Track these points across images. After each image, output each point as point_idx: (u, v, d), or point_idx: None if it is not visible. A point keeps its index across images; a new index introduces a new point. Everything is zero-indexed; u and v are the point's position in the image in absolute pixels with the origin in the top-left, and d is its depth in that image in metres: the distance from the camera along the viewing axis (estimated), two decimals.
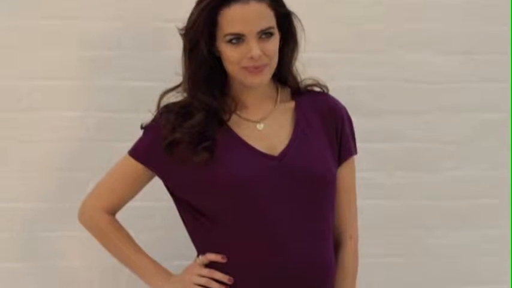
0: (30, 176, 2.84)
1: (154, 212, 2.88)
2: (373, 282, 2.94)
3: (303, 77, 2.32)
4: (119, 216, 2.40)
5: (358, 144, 2.37)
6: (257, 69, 2.11)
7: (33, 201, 2.85)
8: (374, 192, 2.98)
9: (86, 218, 2.35)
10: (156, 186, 2.33)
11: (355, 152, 2.34)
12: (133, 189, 2.32)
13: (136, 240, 2.39)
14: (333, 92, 2.36)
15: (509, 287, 3.07)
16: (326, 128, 2.25)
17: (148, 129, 2.25)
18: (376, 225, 2.96)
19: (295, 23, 2.22)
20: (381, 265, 3.00)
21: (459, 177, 3.05)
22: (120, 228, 2.34)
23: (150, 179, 2.30)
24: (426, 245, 3.04)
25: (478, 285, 3.07)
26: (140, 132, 2.30)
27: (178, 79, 2.26)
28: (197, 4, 2.15)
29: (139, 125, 2.30)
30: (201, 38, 2.13)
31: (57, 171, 2.86)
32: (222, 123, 2.18)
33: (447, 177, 3.04)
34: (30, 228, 2.86)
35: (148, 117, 2.28)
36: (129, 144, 2.33)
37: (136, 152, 2.26)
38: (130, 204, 2.41)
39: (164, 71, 2.53)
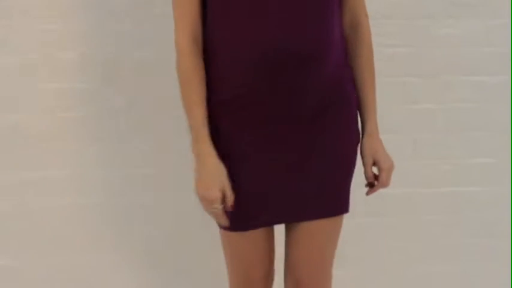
0: None
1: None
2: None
3: None
4: None
5: None
6: None
7: None
8: None
9: (182, 64, 2.26)
10: None
11: None
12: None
13: None
14: None
15: (509, 80, 3.12)
16: None
17: None
18: (382, 15, 2.98)
19: None
20: (385, 56, 3.02)
21: None
22: (201, 79, 2.26)
23: None
24: (432, 34, 3.06)
25: (480, 75, 3.10)
26: None
27: None
28: None
29: None
30: None
31: None
32: None
33: None
34: None
35: None
36: None
37: None
38: None
39: None
